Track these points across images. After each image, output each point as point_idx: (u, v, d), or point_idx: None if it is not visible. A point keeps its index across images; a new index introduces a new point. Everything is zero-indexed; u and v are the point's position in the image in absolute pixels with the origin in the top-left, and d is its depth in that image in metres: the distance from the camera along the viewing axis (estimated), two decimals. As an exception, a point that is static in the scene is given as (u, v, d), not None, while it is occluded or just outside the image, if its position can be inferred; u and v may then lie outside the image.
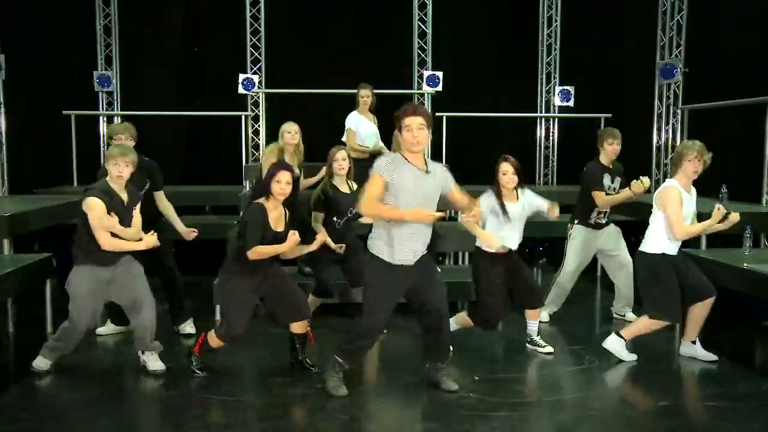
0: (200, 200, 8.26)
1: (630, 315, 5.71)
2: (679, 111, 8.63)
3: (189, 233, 5.20)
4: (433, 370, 4.20)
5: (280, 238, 4.22)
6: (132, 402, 4.08)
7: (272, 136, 6.61)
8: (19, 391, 4.19)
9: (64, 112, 8.38)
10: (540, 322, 5.64)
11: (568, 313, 5.90)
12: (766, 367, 5.03)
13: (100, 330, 5.27)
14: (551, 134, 10.16)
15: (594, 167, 5.64)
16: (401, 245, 3.85)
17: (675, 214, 4.50)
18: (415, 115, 3.78)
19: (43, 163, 8.68)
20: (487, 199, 4.71)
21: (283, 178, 4.19)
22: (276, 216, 4.25)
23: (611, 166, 5.63)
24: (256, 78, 9.00)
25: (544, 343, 4.97)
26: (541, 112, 10.09)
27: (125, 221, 4.31)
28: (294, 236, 4.20)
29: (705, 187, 6.93)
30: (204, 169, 9.21)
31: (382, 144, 6.67)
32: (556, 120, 10.07)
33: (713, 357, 4.72)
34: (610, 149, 5.57)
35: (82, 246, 4.27)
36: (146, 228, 4.51)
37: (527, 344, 5.02)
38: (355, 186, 5.21)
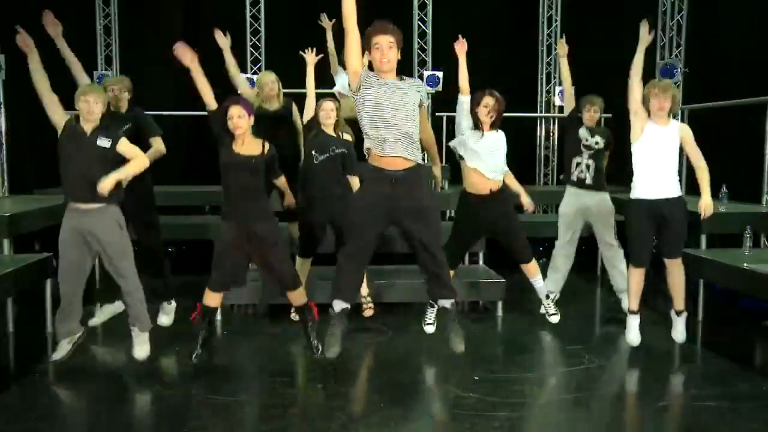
0: (200, 200, 8.26)
1: (625, 303, 5.72)
2: (679, 111, 8.62)
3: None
4: (445, 317, 4.05)
5: (245, 163, 4.31)
6: (132, 402, 4.08)
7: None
8: (19, 391, 4.18)
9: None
10: (546, 316, 5.66)
11: (568, 313, 5.90)
12: (766, 367, 5.03)
13: (92, 321, 5.19)
14: (551, 134, 10.16)
15: (575, 118, 5.75)
16: (378, 145, 3.81)
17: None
18: (384, 33, 3.79)
19: (43, 163, 8.67)
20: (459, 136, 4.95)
21: (234, 112, 4.30)
22: (245, 147, 4.37)
23: (592, 126, 5.66)
24: (256, 78, 8.99)
25: (553, 310, 5.15)
26: (541, 112, 10.09)
27: (80, 152, 4.24)
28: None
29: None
30: (204, 169, 9.20)
31: None
32: (557, 120, 10.06)
33: (680, 338, 4.76)
34: (587, 116, 5.62)
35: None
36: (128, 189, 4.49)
37: (541, 307, 5.22)
38: (343, 135, 5.29)
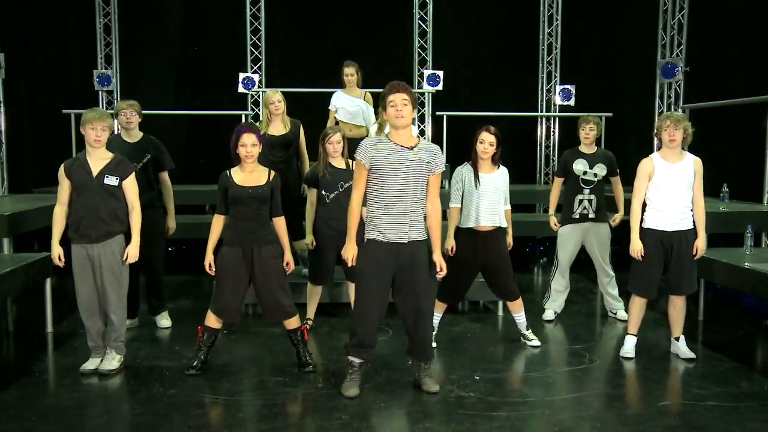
0: (200, 200, 8.26)
1: (621, 314, 5.72)
2: (680, 110, 8.62)
3: (169, 229, 5.36)
4: (416, 368, 4.22)
5: (254, 195, 4.31)
6: (132, 402, 4.07)
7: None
8: (19, 391, 4.18)
9: (63, 111, 8.38)
10: (545, 321, 5.68)
11: (568, 313, 5.91)
12: (766, 366, 5.02)
13: None
14: (552, 133, 10.15)
15: (565, 153, 5.80)
16: (383, 222, 3.93)
17: (635, 186, 4.69)
18: (399, 91, 3.92)
19: (43, 163, 8.68)
20: (462, 170, 4.86)
21: (248, 140, 4.31)
22: (251, 176, 4.36)
23: (590, 152, 5.62)
24: (256, 77, 8.98)
25: (532, 336, 5.10)
26: (541, 111, 10.08)
27: (86, 189, 4.27)
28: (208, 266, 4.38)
29: (706, 186, 6.93)
30: (204, 168, 9.21)
31: (373, 119, 6.47)
32: (557, 119, 10.06)
33: (691, 355, 4.76)
34: (582, 134, 5.63)
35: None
36: (142, 213, 4.59)
37: (520, 337, 5.13)
38: (351, 162, 5.22)
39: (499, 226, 4.85)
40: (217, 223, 4.46)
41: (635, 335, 4.83)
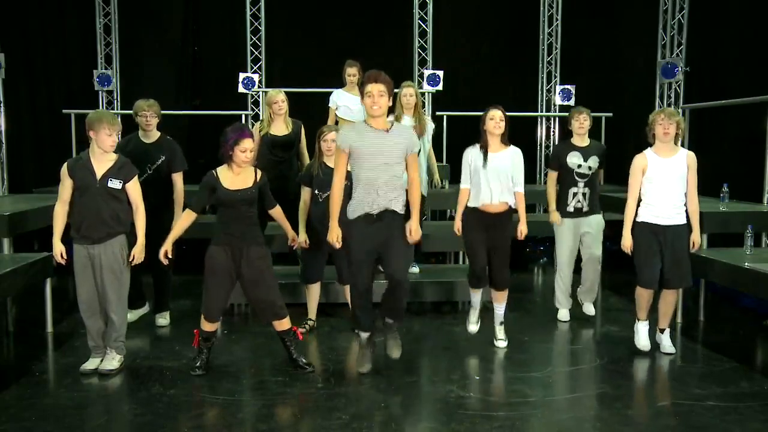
0: (200, 199, 8.25)
1: (588, 307, 5.76)
2: (680, 110, 8.61)
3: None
4: (387, 328, 4.41)
5: (242, 198, 4.29)
6: (132, 402, 4.07)
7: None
8: (19, 391, 4.18)
9: (63, 111, 8.38)
10: (560, 321, 5.68)
11: (569, 312, 5.89)
12: (766, 366, 5.02)
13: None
14: (552, 133, 10.15)
15: (557, 146, 5.81)
16: (363, 196, 4.15)
17: (630, 182, 4.78)
18: (376, 82, 4.10)
19: (43, 162, 8.69)
20: (471, 151, 4.85)
21: (249, 145, 4.30)
22: (239, 177, 4.32)
23: (584, 145, 5.57)
24: (256, 77, 8.99)
25: (501, 335, 5.03)
26: (541, 111, 10.08)
27: (88, 190, 4.26)
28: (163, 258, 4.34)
29: (706, 186, 6.94)
30: (204, 168, 9.19)
31: None
32: (557, 119, 10.06)
33: (672, 350, 4.84)
34: (576, 125, 5.58)
35: None
36: (154, 213, 4.68)
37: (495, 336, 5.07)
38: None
39: (508, 205, 4.78)
40: (187, 217, 4.39)
41: (646, 320, 4.87)
